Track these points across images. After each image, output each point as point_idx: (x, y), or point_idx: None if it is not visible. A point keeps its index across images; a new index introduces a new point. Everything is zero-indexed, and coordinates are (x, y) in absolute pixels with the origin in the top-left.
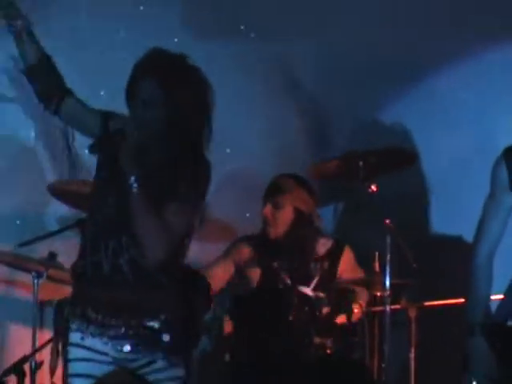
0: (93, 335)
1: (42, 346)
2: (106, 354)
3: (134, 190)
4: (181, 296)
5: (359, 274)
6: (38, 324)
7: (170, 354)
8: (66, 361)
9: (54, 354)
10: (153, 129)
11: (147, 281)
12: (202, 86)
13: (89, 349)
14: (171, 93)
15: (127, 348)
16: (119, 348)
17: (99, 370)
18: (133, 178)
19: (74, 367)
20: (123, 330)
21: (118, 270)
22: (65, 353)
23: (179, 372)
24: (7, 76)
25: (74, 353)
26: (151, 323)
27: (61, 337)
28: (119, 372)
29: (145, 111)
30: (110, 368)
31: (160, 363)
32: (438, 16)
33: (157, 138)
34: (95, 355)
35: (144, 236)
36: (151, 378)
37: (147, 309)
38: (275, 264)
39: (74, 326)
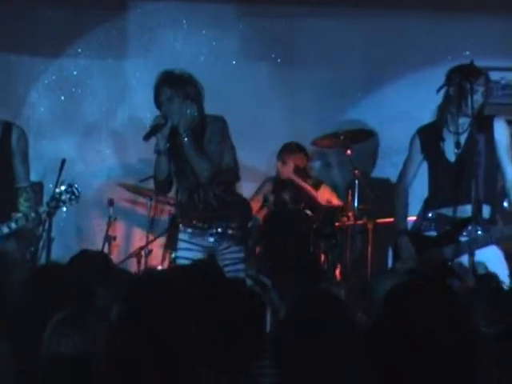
0: (195, 235)
1: (152, 240)
2: (199, 245)
3: (185, 140)
4: (237, 210)
5: (335, 199)
6: (150, 228)
7: (235, 243)
8: (174, 249)
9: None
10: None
11: (217, 203)
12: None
13: (191, 242)
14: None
15: (211, 239)
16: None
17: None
18: (184, 135)
19: (180, 253)
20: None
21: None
22: (173, 244)
23: (241, 254)
24: None
25: (181, 245)
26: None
27: (171, 235)
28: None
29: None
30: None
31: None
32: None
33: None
34: (193, 246)
35: (196, 165)
36: (227, 256)
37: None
38: (283, 194)
39: (182, 229)
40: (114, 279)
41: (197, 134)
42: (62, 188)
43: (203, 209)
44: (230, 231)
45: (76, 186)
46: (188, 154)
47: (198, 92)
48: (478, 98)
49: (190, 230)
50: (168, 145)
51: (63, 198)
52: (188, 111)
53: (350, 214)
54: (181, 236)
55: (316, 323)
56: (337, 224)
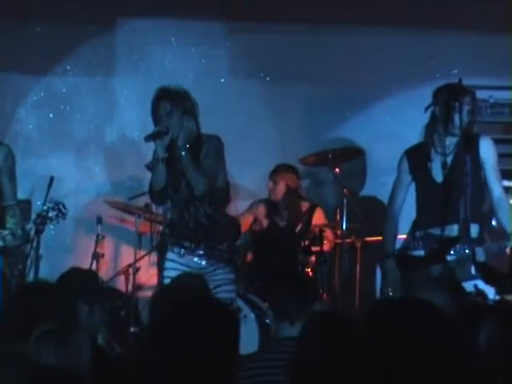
0: (183, 254)
1: (140, 258)
2: (187, 265)
3: (183, 154)
4: (226, 231)
5: (326, 222)
6: (137, 245)
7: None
8: (163, 268)
9: None
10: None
11: (207, 222)
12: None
13: (179, 263)
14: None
15: (199, 260)
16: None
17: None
18: (183, 148)
19: (168, 273)
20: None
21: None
22: (162, 264)
23: (231, 275)
24: None
25: (168, 264)
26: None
27: (160, 254)
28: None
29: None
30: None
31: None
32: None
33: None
34: (181, 266)
35: (192, 178)
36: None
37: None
38: (275, 217)
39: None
40: (102, 297)
41: (194, 149)
42: (49, 205)
43: (193, 227)
44: (218, 252)
45: (63, 203)
46: (185, 167)
47: (194, 107)
48: (464, 116)
49: (177, 250)
50: (166, 154)
51: (50, 215)
52: (187, 125)
53: (339, 232)
54: (168, 255)
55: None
56: (325, 242)
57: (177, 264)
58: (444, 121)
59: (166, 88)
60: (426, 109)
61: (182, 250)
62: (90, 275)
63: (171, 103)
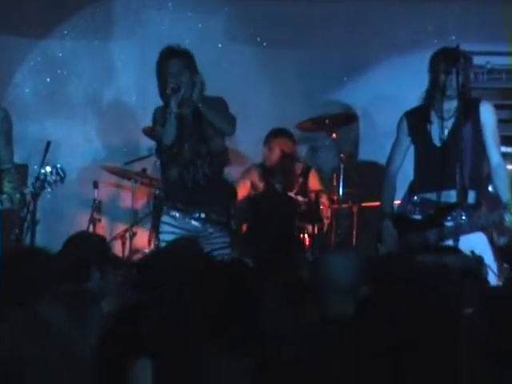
0: (179, 217)
1: (137, 222)
2: (184, 228)
3: (200, 106)
4: (223, 194)
5: (321, 185)
6: (134, 210)
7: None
8: (159, 232)
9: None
10: None
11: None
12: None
13: (175, 226)
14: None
15: (195, 223)
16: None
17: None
18: (200, 103)
19: (164, 236)
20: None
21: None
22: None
23: (227, 239)
24: None
25: (164, 227)
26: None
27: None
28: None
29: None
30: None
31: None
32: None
33: None
34: (177, 229)
35: (218, 123)
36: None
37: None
38: (272, 180)
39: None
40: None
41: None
42: (48, 169)
43: (191, 188)
44: (213, 216)
45: (61, 167)
46: (208, 115)
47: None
48: (461, 81)
49: (174, 213)
50: (179, 110)
51: (48, 179)
52: (199, 81)
53: (336, 197)
54: (164, 219)
55: None
56: (322, 208)
57: (172, 227)
58: (442, 86)
59: (173, 47)
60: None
61: (178, 213)
62: (100, 240)
63: (181, 61)
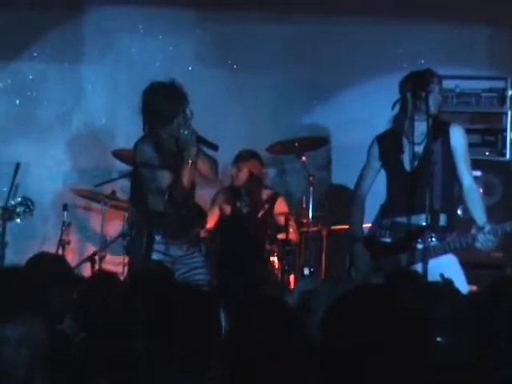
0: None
1: (107, 245)
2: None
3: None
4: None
5: (289, 210)
6: (103, 233)
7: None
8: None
9: None
10: None
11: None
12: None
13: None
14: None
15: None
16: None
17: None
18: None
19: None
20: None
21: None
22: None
23: (202, 257)
24: None
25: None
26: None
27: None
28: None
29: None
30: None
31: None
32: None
33: None
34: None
35: (208, 166)
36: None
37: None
38: (238, 203)
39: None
40: (70, 283)
41: None
42: (18, 200)
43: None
44: (192, 238)
45: (31, 200)
46: (201, 158)
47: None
48: (431, 104)
49: (164, 241)
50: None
51: (17, 210)
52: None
53: (305, 220)
54: (157, 247)
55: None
56: (291, 230)
57: (164, 256)
58: (412, 109)
59: (174, 85)
60: (394, 105)
61: (169, 241)
62: (59, 259)
63: (181, 105)
